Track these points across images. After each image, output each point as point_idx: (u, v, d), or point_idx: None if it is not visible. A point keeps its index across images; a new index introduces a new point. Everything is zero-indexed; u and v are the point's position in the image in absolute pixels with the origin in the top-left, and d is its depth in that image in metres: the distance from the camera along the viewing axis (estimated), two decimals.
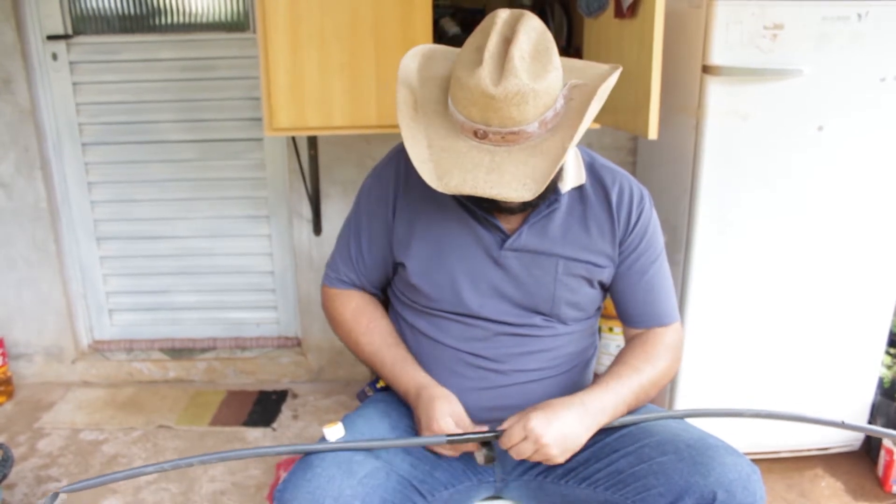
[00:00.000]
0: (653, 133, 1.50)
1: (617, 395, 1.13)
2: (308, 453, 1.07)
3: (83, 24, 2.39)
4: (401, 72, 1.09)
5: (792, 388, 1.93)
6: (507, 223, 1.17)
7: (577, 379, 1.27)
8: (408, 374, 1.20)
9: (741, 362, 1.90)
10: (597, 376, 1.21)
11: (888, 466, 1.92)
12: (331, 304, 1.31)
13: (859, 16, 1.63)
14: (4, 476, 1.66)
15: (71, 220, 2.57)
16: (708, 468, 1.02)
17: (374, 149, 2.35)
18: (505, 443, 1.06)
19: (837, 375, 1.94)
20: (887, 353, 1.99)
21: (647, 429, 1.13)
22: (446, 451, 1.13)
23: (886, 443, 1.94)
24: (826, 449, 2.05)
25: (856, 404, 1.98)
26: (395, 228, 1.22)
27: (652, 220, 1.23)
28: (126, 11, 2.39)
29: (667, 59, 1.51)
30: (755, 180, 1.75)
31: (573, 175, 1.18)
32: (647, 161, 2.21)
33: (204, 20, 2.40)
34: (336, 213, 2.43)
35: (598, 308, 1.29)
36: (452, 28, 2.05)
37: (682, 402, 1.93)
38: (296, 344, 2.69)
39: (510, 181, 0.99)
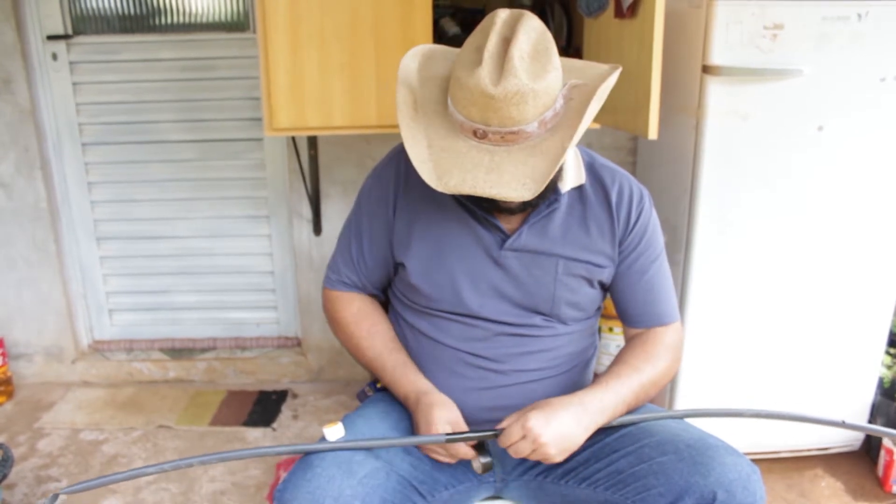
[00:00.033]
0: (653, 133, 1.50)
1: (617, 395, 1.13)
2: (308, 453, 1.07)
3: (83, 24, 2.39)
4: (400, 72, 1.09)
5: (792, 387, 1.93)
6: (507, 223, 1.17)
7: (577, 379, 1.27)
8: (408, 379, 1.20)
9: (741, 362, 1.90)
10: (597, 376, 1.21)
11: (888, 466, 1.92)
12: (332, 307, 1.31)
13: (859, 16, 1.63)
14: (4, 476, 1.66)
15: (71, 220, 2.57)
16: (708, 468, 1.02)
17: (374, 149, 2.35)
18: (503, 441, 1.06)
19: (837, 375, 1.94)
20: (887, 353, 1.99)
21: (647, 429, 1.13)
22: (443, 458, 1.12)
23: (886, 443, 1.94)
24: (826, 449, 2.05)
25: (856, 404, 1.98)
26: (395, 228, 1.22)
27: (652, 220, 1.23)
28: (126, 11, 2.39)
29: (667, 59, 1.51)
30: (755, 180, 1.75)
31: (573, 175, 1.18)
32: (647, 161, 2.21)
33: (204, 20, 2.40)
34: (336, 213, 2.43)
35: (598, 308, 1.29)
36: (452, 28, 2.05)
37: (682, 402, 1.93)
38: (296, 344, 2.69)
39: (510, 181, 0.99)
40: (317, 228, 2.46)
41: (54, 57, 2.40)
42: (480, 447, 1.11)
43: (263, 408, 2.45)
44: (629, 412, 1.15)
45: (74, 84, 2.43)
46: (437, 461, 1.15)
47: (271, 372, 2.63)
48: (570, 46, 2.05)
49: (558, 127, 1.02)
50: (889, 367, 2.00)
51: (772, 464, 2.01)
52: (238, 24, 2.40)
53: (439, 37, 1.99)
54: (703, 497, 1.01)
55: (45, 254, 2.50)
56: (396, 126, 1.06)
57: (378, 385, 1.33)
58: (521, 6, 2.02)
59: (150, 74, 2.42)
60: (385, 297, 1.35)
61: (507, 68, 0.96)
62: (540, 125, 1.00)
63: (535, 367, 1.22)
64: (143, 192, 2.55)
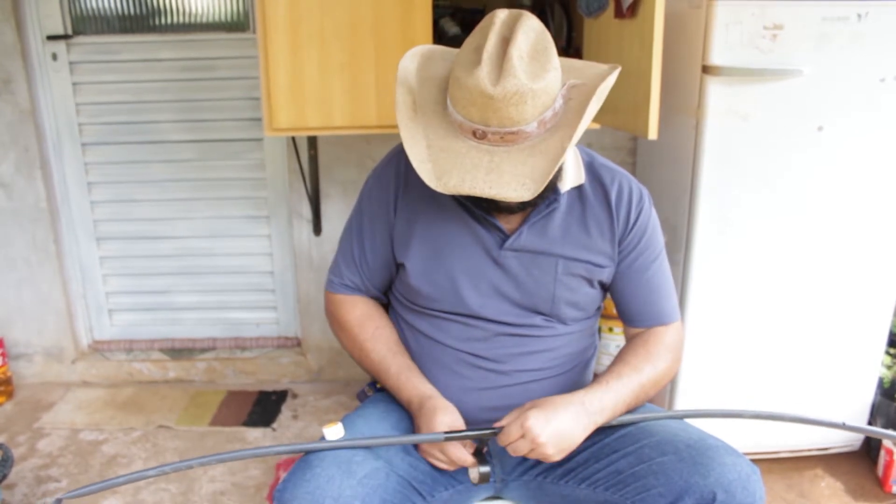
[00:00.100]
0: (653, 133, 1.50)
1: (617, 395, 1.13)
2: (308, 453, 1.07)
3: (83, 24, 2.39)
4: (399, 72, 1.09)
5: (792, 387, 1.93)
6: (506, 223, 1.17)
7: (577, 379, 1.27)
8: (412, 384, 1.19)
9: (741, 362, 1.90)
10: (597, 376, 1.21)
11: (888, 466, 1.92)
12: (335, 311, 1.31)
13: (859, 16, 1.63)
14: (4, 476, 1.66)
15: (71, 220, 2.57)
16: (707, 468, 1.02)
17: (374, 149, 2.35)
18: (502, 440, 1.07)
19: (837, 375, 1.93)
20: (887, 353, 1.99)
21: (646, 429, 1.13)
22: (443, 465, 1.13)
23: (886, 443, 1.94)
24: (826, 449, 2.05)
25: (856, 404, 1.98)
26: (396, 229, 1.22)
27: (651, 219, 1.23)
28: (126, 11, 2.39)
29: (667, 59, 1.51)
30: (755, 180, 1.75)
31: (572, 175, 1.18)
32: (647, 161, 2.21)
33: (204, 20, 2.40)
34: (336, 213, 2.43)
35: (598, 308, 1.29)
36: (452, 28, 2.05)
37: (682, 402, 1.93)
38: (296, 344, 2.69)
39: (509, 181, 0.99)
40: (317, 228, 2.46)
41: (54, 57, 2.40)
42: (480, 456, 1.11)
43: (263, 408, 2.44)
44: (629, 412, 1.15)
45: (74, 84, 2.43)
46: None
47: (271, 372, 2.63)
48: (570, 46, 2.05)
49: (558, 127, 1.02)
50: (889, 367, 2.00)
51: (772, 464, 2.01)
52: (238, 24, 2.40)
53: (439, 37, 1.99)
54: (702, 497, 1.00)
55: (44, 254, 2.50)
56: (396, 126, 1.06)
57: (378, 385, 1.33)
58: (521, 6, 2.02)
59: (150, 74, 2.42)
60: (387, 299, 1.35)
61: (506, 68, 0.96)
62: (539, 125, 1.00)
63: (536, 367, 1.22)
64: (143, 192, 2.55)
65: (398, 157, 1.23)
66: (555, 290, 1.19)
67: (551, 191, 1.14)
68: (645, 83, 1.48)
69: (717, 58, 1.65)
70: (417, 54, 1.13)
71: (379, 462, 1.08)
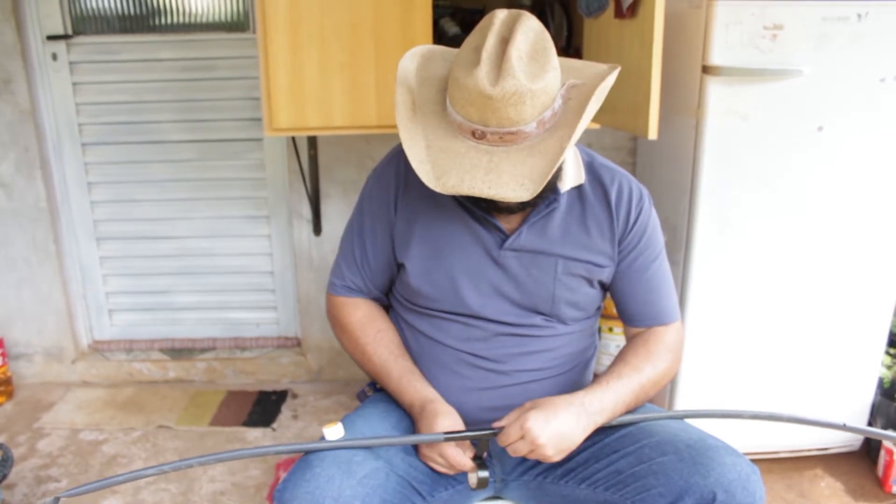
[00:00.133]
0: (653, 133, 1.50)
1: (617, 395, 1.12)
2: (307, 453, 1.07)
3: (83, 24, 2.39)
4: (399, 72, 1.09)
5: (792, 388, 1.93)
6: (506, 223, 1.17)
7: (577, 379, 1.27)
8: (414, 387, 1.19)
9: (741, 362, 1.90)
10: (597, 376, 1.21)
11: (888, 467, 1.92)
12: (337, 313, 1.30)
13: (859, 16, 1.63)
14: (4, 476, 1.66)
15: (71, 221, 2.57)
16: (707, 468, 1.02)
17: (374, 149, 2.35)
18: (502, 440, 1.07)
19: (837, 376, 1.93)
20: (887, 353, 1.99)
21: (646, 429, 1.13)
22: (442, 469, 1.13)
23: (886, 443, 1.94)
24: (826, 449, 2.05)
25: (856, 404, 1.98)
26: (396, 229, 1.22)
27: (651, 219, 1.23)
28: (126, 11, 2.39)
29: (667, 59, 1.51)
30: (755, 180, 1.75)
31: (572, 175, 1.18)
32: (647, 161, 2.21)
33: (204, 20, 2.40)
34: (336, 214, 2.43)
35: (598, 308, 1.29)
36: (452, 28, 2.05)
37: (682, 402, 1.93)
38: (295, 344, 2.69)
39: (508, 181, 0.99)
40: (317, 228, 2.46)
41: (54, 57, 2.40)
42: (479, 460, 1.11)
43: (263, 408, 2.45)
44: (629, 412, 1.15)
45: (74, 84, 2.43)
46: None
47: (271, 372, 2.63)
48: (570, 46, 2.05)
49: (557, 127, 1.02)
50: (889, 368, 2.00)
51: (771, 464, 2.01)
52: (238, 24, 2.40)
53: (439, 37, 1.99)
54: (702, 497, 1.00)
55: (44, 254, 2.51)
56: (396, 126, 1.06)
57: (377, 385, 1.33)
58: (521, 6, 2.02)
59: (150, 74, 2.42)
60: (388, 300, 1.35)
61: (505, 69, 0.96)
62: (538, 125, 1.00)
63: (536, 367, 1.22)
64: (143, 192, 2.55)
65: (398, 157, 1.23)
66: (555, 290, 1.19)
67: (551, 191, 1.14)
68: (645, 83, 1.48)
69: (717, 58, 1.65)
70: (417, 54, 1.13)
71: (379, 462, 1.08)
